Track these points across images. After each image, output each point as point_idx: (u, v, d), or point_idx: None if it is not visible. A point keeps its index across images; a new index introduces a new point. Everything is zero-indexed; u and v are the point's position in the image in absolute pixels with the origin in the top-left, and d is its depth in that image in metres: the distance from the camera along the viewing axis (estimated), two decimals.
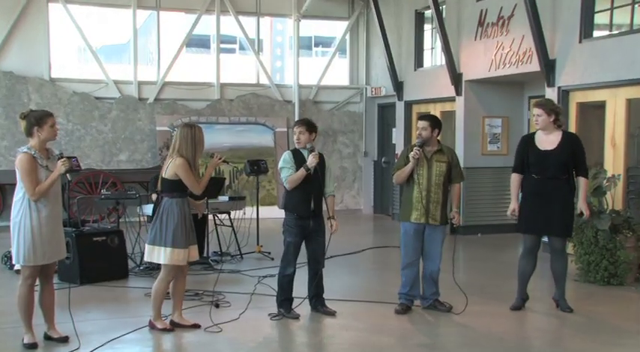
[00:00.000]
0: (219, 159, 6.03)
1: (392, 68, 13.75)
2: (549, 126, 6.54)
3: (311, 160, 6.22)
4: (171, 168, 5.84)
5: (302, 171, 6.23)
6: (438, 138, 6.63)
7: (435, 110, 13.12)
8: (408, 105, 13.77)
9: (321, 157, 6.36)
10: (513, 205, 6.63)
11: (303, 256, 6.53)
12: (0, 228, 11.55)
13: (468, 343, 5.79)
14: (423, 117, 6.68)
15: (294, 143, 6.41)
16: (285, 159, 6.37)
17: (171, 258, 5.82)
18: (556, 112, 6.56)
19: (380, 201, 15.02)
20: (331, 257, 9.16)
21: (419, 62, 13.57)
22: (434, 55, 13.36)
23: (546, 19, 9.89)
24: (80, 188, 12.31)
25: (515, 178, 6.66)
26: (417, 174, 6.51)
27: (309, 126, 6.40)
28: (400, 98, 13.89)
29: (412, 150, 6.45)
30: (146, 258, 6.03)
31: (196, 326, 6.06)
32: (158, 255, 5.85)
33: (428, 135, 6.50)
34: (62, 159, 5.35)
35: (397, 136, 14.06)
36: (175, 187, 5.87)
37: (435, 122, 6.56)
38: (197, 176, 5.91)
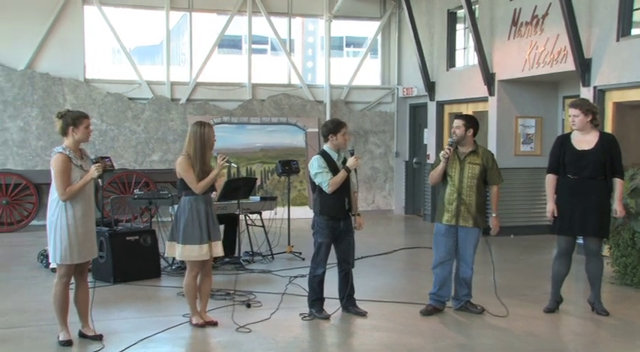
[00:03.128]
0: (223, 159, 6.03)
1: (424, 68, 13.68)
2: (586, 126, 6.44)
3: (353, 162, 6.22)
4: (176, 166, 5.99)
5: (343, 174, 6.23)
6: (475, 138, 6.56)
7: (468, 110, 13.02)
8: (440, 106, 13.69)
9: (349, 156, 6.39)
10: (551, 206, 6.52)
11: (332, 257, 6.52)
12: (36, 227, 11.76)
13: (500, 346, 5.72)
14: (459, 116, 6.64)
15: (343, 144, 6.36)
16: (320, 163, 6.31)
17: (183, 253, 5.96)
18: (593, 112, 6.46)
19: (411, 201, 14.95)
20: (362, 257, 9.15)
21: (451, 62, 13.49)
22: (466, 55, 13.26)
23: (582, 18, 9.75)
24: (113, 188, 12.46)
25: (550, 179, 6.57)
26: (449, 175, 6.46)
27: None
28: (432, 98, 13.81)
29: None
30: (166, 254, 6.22)
31: (213, 324, 6.11)
32: (174, 250, 6.02)
33: (461, 135, 6.43)
34: (96, 164, 5.44)
35: (429, 137, 13.98)
36: (185, 185, 6.00)
37: (469, 121, 6.49)
38: (205, 175, 5.93)
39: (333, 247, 6.45)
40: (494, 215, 6.49)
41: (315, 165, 6.32)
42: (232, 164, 6.14)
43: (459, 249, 6.53)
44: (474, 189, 6.40)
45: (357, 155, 6.29)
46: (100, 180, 5.58)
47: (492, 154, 6.64)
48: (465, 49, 13.30)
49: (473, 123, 6.50)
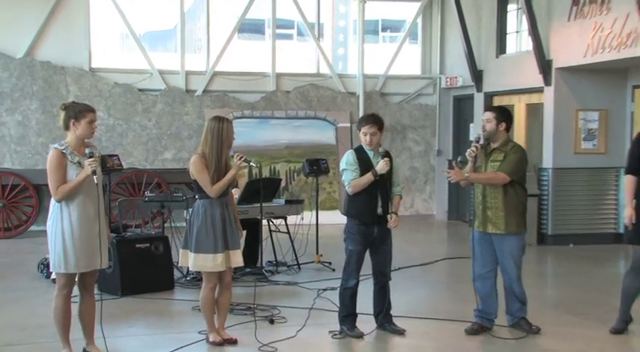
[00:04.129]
0: (240, 159, 6.00)
1: (470, 55, 13.59)
2: None
3: (382, 166, 6.20)
4: (190, 166, 6.00)
5: (369, 177, 6.22)
6: (508, 134, 6.46)
7: (520, 103, 12.91)
8: (488, 98, 13.59)
9: (387, 154, 6.33)
10: (629, 211, 6.36)
11: (368, 267, 6.49)
12: (37, 233, 11.86)
13: None
14: (489, 107, 6.57)
15: (364, 143, 6.36)
16: (349, 160, 6.34)
17: (196, 263, 5.98)
18: None
19: (455, 205, 14.87)
20: (399, 268, 9.11)
21: (501, 48, 13.38)
22: (519, 40, 13.13)
23: None
24: (122, 189, 12.56)
25: (630, 180, 6.43)
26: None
27: (381, 125, 6.36)
28: (479, 89, 13.72)
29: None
30: (180, 263, 6.26)
31: (232, 342, 6.12)
32: (187, 259, 6.05)
33: (492, 130, 6.34)
34: (90, 159, 5.39)
35: (475, 133, 13.87)
36: (199, 187, 6.02)
37: (501, 114, 6.40)
38: (221, 177, 5.93)
39: (369, 256, 6.42)
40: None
41: (344, 161, 6.36)
42: (252, 164, 6.14)
43: (498, 259, 6.48)
44: (499, 189, 6.30)
45: (387, 159, 6.21)
46: (94, 178, 5.47)
47: (519, 148, 6.43)
48: (517, 32, 13.18)
49: (505, 115, 6.41)
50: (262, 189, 8.92)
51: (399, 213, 6.39)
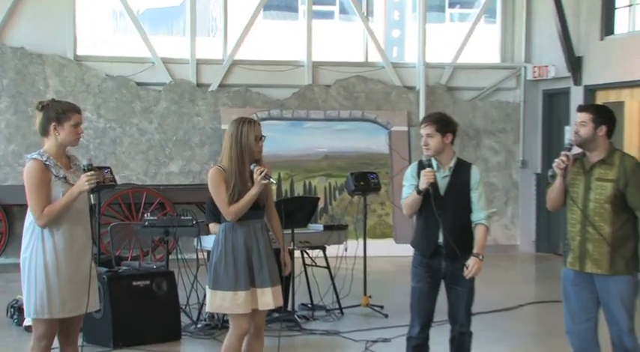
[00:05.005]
0: (260, 174, 5.97)
1: (565, 37, 13.51)
2: None
3: (425, 178, 6.19)
4: (208, 180, 6.08)
5: (413, 195, 6.25)
6: (610, 140, 6.37)
7: (633, 99, 12.77)
8: (590, 92, 13.53)
9: (462, 167, 6.34)
10: None
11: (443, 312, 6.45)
12: (5, 268, 11.98)
13: None
14: (584, 107, 6.47)
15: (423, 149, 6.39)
16: (407, 173, 6.42)
17: (212, 302, 6.05)
18: None
19: (545, 233, 14.77)
20: (475, 314, 9.03)
21: (608, 27, 13.33)
22: (632, 15, 13.08)
23: None
24: (115, 211, 12.65)
25: None
26: (570, 195, 6.30)
27: (441, 125, 6.34)
28: (577, 82, 13.65)
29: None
30: (207, 307, 6.27)
31: None
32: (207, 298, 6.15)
33: (588, 135, 6.25)
34: (89, 173, 5.45)
35: (572, 137, 13.76)
36: (216, 209, 6.13)
37: (601, 115, 6.29)
38: (243, 194, 5.97)
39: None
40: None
41: (406, 174, 6.42)
42: (272, 180, 6.15)
43: (602, 305, 6.38)
44: (605, 217, 6.16)
45: (429, 170, 6.18)
46: (92, 198, 5.59)
47: (635, 162, 6.37)
48: (630, 7, 13.13)
49: (606, 117, 6.29)
50: (295, 211, 8.93)
51: (481, 255, 6.28)
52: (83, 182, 5.40)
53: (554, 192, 6.33)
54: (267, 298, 6.07)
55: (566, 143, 6.38)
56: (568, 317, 6.46)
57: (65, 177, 5.50)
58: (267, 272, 6.08)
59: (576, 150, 6.36)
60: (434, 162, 6.33)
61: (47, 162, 5.46)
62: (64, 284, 5.46)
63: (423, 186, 6.18)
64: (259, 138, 6.00)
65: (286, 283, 9.03)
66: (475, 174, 6.40)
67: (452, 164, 6.33)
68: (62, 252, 5.46)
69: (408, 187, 6.33)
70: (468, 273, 6.22)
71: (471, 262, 6.21)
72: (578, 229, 6.23)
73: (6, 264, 12.11)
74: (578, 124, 6.30)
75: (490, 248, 14.19)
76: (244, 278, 5.99)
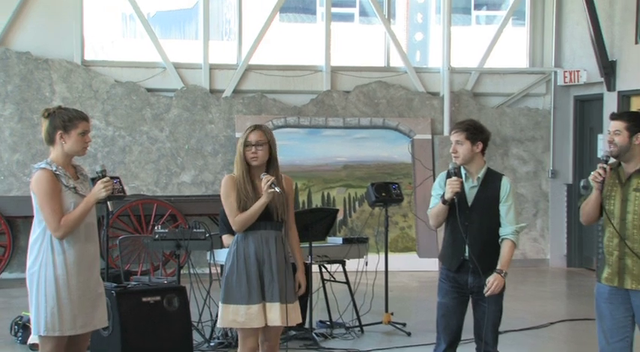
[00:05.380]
0: (266, 183, 6.01)
1: (598, 40, 13.47)
2: None
3: (447, 187, 6.20)
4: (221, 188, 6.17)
5: (439, 205, 6.29)
6: None
7: None
8: (625, 99, 13.48)
9: (492, 178, 6.35)
10: None
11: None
12: (9, 283, 11.99)
13: None
14: (617, 115, 6.44)
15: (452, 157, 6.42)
16: (435, 183, 6.50)
17: (224, 317, 6.07)
18: None
19: (577, 247, 14.74)
20: (504, 332, 9.00)
21: None
22: None
23: None
24: (124, 223, 12.68)
25: None
26: (606, 209, 6.28)
27: (472, 132, 6.34)
28: (611, 87, 13.61)
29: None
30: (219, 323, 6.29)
31: None
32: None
33: (624, 145, 6.23)
34: (104, 179, 5.51)
35: (606, 146, 13.71)
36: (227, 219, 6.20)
37: (636, 122, 6.28)
38: (250, 202, 6.03)
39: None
40: None
41: (434, 183, 6.51)
42: (276, 189, 6.16)
43: (638, 322, 6.34)
44: None
45: (454, 179, 6.18)
46: (109, 204, 5.62)
47: None
48: None
49: None
50: (313, 223, 8.92)
51: (504, 272, 6.27)
52: (99, 189, 5.48)
53: (589, 205, 6.29)
54: (274, 314, 6.05)
55: (602, 155, 6.33)
56: (601, 336, 6.42)
57: (75, 188, 5.54)
58: (277, 287, 6.07)
59: (611, 160, 6.33)
60: (462, 172, 6.34)
61: (57, 172, 5.50)
62: (75, 300, 5.50)
63: (448, 195, 6.20)
64: (251, 143, 6.05)
65: (304, 299, 9.05)
66: (505, 185, 6.41)
67: (481, 174, 6.35)
68: (73, 265, 5.50)
69: (435, 197, 6.38)
70: (487, 290, 6.23)
71: (492, 278, 6.23)
72: (616, 243, 6.19)
73: (10, 279, 12.09)
74: (612, 133, 6.27)
75: (519, 262, 14.26)
76: (256, 291, 6.00)
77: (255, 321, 5.99)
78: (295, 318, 6.17)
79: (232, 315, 6.01)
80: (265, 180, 6.01)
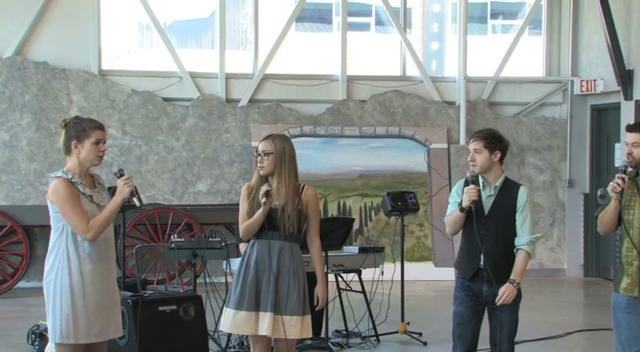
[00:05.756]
0: (261, 193, 6.09)
1: (615, 49, 13.44)
2: None
3: (464, 195, 6.20)
4: None
5: (456, 213, 6.29)
6: None
7: None
8: None
9: (509, 188, 6.36)
10: None
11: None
12: (26, 291, 12.02)
13: None
14: (633, 126, 6.42)
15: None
16: (452, 192, 6.53)
17: (224, 321, 6.14)
18: None
19: (594, 256, 14.69)
20: (520, 342, 8.98)
21: None
22: None
23: None
24: (140, 232, 12.70)
25: None
26: (625, 219, 6.25)
27: (490, 141, 6.33)
28: (628, 96, 13.57)
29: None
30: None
31: None
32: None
33: None
34: (123, 177, 5.56)
35: (623, 156, 13.67)
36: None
37: None
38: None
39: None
40: None
41: (452, 191, 6.54)
42: (263, 201, 6.15)
43: None
44: None
45: (472, 187, 6.18)
46: (135, 200, 5.62)
47: None
48: None
49: None
50: (329, 233, 8.92)
51: (517, 282, 6.25)
52: (122, 186, 5.55)
53: (607, 215, 6.27)
54: (264, 324, 6.01)
55: (621, 165, 6.31)
56: (619, 347, 6.39)
57: (91, 196, 5.58)
58: (272, 297, 6.04)
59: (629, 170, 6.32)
60: (480, 180, 6.34)
61: (73, 180, 5.54)
62: (91, 308, 5.52)
63: (465, 203, 6.20)
64: (258, 153, 6.13)
65: (320, 309, 9.04)
66: (522, 195, 6.41)
67: (498, 183, 6.34)
68: (89, 274, 5.53)
69: (452, 205, 6.38)
70: (498, 299, 6.22)
71: (504, 288, 6.22)
72: (636, 254, 6.17)
73: (27, 288, 12.12)
74: (630, 145, 6.28)
75: (535, 272, 14.24)
76: (248, 298, 6.03)
77: (244, 328, 6.06)
78: (298, 332, 6.08)
79: (224, 318, 6.13)
80: (260, 191, 6.07)
